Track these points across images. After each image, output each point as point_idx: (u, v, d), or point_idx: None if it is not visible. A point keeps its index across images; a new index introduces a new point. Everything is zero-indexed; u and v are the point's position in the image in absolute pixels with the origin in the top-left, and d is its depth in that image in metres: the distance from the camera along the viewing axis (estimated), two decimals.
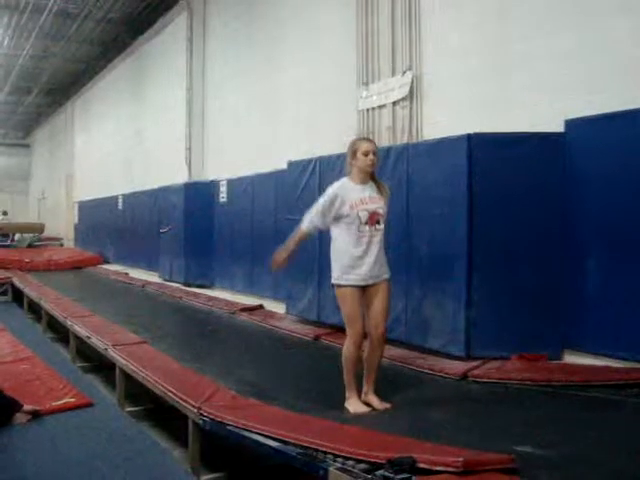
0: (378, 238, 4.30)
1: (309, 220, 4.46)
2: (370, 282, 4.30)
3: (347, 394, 4.36)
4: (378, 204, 4.31)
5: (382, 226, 4.31)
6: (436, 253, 5.71)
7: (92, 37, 16.48)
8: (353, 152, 4.38)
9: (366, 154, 4.30)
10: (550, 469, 3.11)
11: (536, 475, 2.96)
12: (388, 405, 4.36)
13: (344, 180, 4.41)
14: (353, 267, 4.26)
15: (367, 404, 4.35)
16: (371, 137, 7.47)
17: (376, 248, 4.29)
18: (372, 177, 4.40)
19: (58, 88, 22.37)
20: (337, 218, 4.30)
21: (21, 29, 15.35)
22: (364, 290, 4.31)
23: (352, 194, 4.28)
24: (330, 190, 4.36)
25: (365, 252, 4.26)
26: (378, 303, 4.33)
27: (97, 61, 18.62)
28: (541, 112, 5.67)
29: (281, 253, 4.63)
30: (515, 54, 6.00)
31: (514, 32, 6.02)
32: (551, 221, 5.38)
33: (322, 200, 4.36)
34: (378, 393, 4.43)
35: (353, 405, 4.32)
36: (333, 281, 4.40)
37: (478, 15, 6.42)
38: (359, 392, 4.40)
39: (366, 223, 4.24)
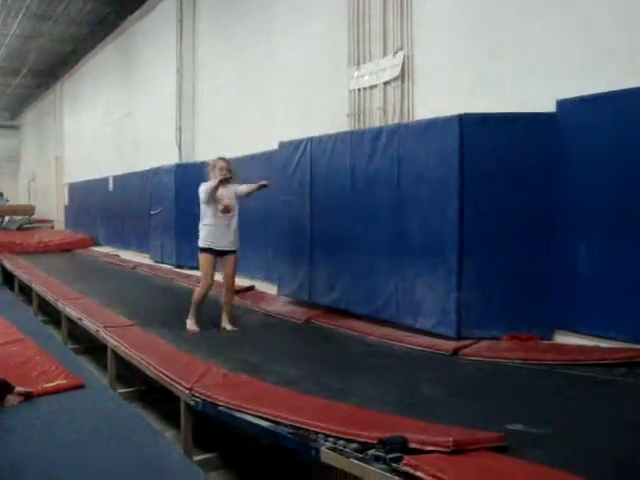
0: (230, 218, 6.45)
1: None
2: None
3: (189, 318, 6.45)
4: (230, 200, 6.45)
5: (232, 212, 6.45)
6: (427, 234, 5.71)
7: (80, 17, 16.31)
8: (213, 167, 6.52)
9: (221, 169, 6.39)
10: (541, 447, 3.14)
11: (527, 453, 2.99)
12: (235, 328, 6.40)
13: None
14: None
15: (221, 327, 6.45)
16: (362, 117, 7.49)
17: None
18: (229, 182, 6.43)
19: (46, 69, 22.16)
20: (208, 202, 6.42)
21: (8, 8, 15.16)
22: (217, 257, 6.46)
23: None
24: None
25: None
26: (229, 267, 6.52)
27: (86, 41, 18.43)
28: (533, 93, 5.65)
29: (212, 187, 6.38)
30: (507, 34, 5.97)
31: (506, 12, 5.99)
32: (542, 201, 5.38)
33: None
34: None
35: (189, 325, 6.42)
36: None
37: None
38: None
39: (222, 211, 6.40)
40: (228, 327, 6.43)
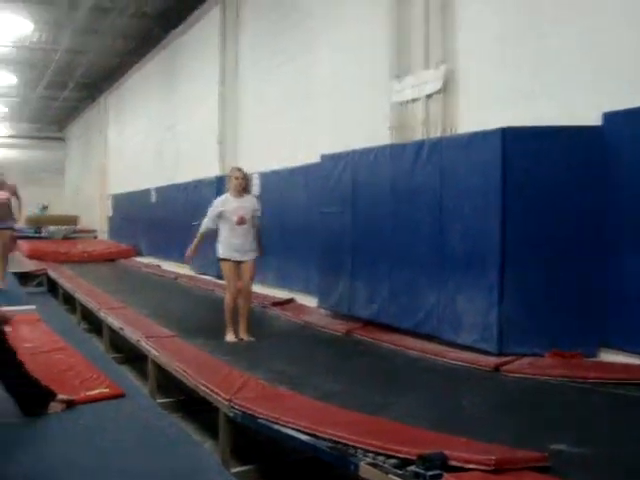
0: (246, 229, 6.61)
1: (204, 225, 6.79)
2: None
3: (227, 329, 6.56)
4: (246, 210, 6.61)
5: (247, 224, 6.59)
6: (469, 247, 5.65)
7: (126, 32, 16.59)
8: (229, 177, 6.81)
9: (236, 178, 6.62)
10: (585, 468, 3.06)
11: (570, 474, 2.92)
12: (253, 339, 6.54)
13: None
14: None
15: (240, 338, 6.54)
16: (404, 130, 7.45)
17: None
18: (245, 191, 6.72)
19: (92, 82, 22.60)
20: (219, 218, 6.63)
21: (58, 24, 15.52)
22: (238, 264, 6.64)
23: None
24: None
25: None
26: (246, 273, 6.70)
27: (131, 55, 18.75)
28: (578, 105, 5.56)
29: (189, 253, 6.97)
30: (551, 46, 5.89)
31: (550, 23, 5.91)
32: (588, 216, 5.29)
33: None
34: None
35: (228, 337, 6.51)
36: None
37: (513, 6, 6.32)
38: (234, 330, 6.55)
39: (237, 223, 6.55)
40: (245, 337, 6.56)
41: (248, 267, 6.68)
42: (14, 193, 10.08)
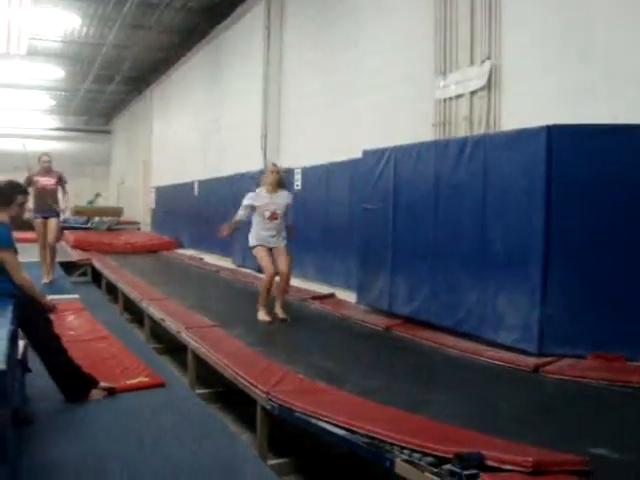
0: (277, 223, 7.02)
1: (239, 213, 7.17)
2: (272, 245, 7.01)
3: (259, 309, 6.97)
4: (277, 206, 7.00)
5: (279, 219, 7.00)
6: (512, 246, 5.59)
7: (172, 26, 16.77)
8: (265, 172, 7.36)
9: (271, 172, 7.07)
10: (626, 474, 3.01)
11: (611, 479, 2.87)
12: (287, 317, 6.94)
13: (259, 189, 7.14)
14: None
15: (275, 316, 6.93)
16: (447, 127, 7.40)
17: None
18: (279, 186, 7.07)
19: (138, 76, 22.89)
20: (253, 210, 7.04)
21: (105, 19, 15.76)
22: (271, 250, 7.00)
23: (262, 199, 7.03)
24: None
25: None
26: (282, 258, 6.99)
27: (176, 50, 18.94)
28: (625, 102, 5.45)
29: (225, 227, 7.35)
30: (597, 42, 5.78)
31: (597, 18, 5.80)
32: (635, 217, 5.18)
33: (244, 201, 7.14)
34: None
35: (260, 315, 6.91)
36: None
37: (559, 3, 6.21)
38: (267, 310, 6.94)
39: (269, 218, 6.96)
40: (281, 315, 6.98)
41: (281, 251, 7.01)
42: (60, 180, 9.64)
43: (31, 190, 8.73)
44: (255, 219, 7.04)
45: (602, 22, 5.74)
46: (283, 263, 6.96)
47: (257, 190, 7.10)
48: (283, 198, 7.07)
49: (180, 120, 20.10)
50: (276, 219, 6.95)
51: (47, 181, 9.43)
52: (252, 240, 7.07)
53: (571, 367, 4.93)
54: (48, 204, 9.44)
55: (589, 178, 5.26)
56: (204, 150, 17.32)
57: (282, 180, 7.17)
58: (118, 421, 4.05)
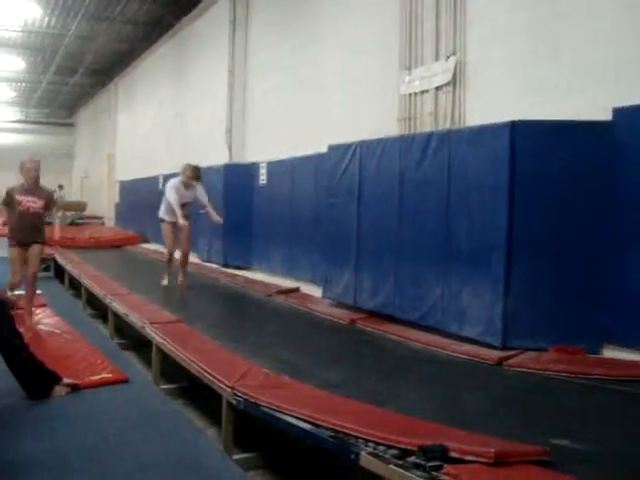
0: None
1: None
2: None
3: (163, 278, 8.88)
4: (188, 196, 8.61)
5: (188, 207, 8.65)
6: (475, 241, 5.65)
7: (136, 18, 16.59)
8: (182, 172, 8.54)
9: (185, 174, 8.50)
10: (586, 464, 3.06)
11: (572, 469, 2.92)
12: (186, 282, 8.87)
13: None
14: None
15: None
16: (412, 122, 7.44)
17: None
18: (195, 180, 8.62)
19: (102, 68, 22.62)
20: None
21: (67, 9, 15.51)
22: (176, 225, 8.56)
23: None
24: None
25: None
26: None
27: (141, 42, 18.75)
28: (588, 99, 5.54)
29: (182, 218, 8.41)
30: (562, 39, 5.86)
31: (562, 16, 5.88)
32: (595, 212, 5.27)
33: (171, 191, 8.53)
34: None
35: (163, 282, 8.80)
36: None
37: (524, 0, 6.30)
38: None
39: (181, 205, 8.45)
40: (180, 279, 8.86)
41: (185, 228, 8.56)
42: (49, 203, 6.88)
43: (5, 210, 6.81)
44: (168, 199, 8.47)
45: (567, 19, 5.83)
46: (185, 239, 8.65)
47: (177, 182, 8.55)
48: (193, 192, 8.57)
49: (145, 113, 19.91)
50: (187, 207, 8.53)
51: (32, 202, 6.65)
52: (162, 213, 8.69)
53: (533, 360, 5.00)
54: (29, 231, 6.71)
55: (553, 174, 5.34)
56: (169, 144, 17.19)
57: (198, 177, 8.58)
58: (82, 417, 4.00)
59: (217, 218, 8.84)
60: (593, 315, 5.26)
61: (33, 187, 6.68)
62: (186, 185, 8.51)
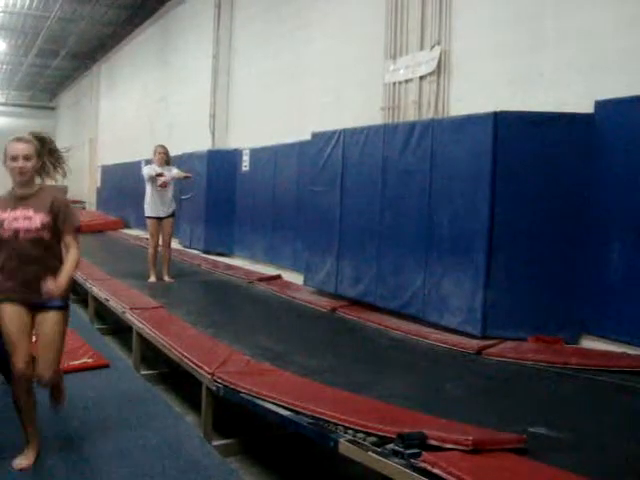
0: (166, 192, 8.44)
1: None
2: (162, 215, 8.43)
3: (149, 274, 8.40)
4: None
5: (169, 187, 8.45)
6: (457, 231, 5.67)
7: (120, 1, 16.41)
8: (154, 152, 8.58)
9: (160, 154, 8.45)
10: (562, 451, 3.10)
11: (549, 457, 2.96)
12: (173, 280, 8.41)
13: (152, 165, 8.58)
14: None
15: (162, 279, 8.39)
16: (396, 111, 7.44)
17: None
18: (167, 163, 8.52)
19: (85, 51, 22.36)
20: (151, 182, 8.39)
21: None
22: (161, 220, 8.42)
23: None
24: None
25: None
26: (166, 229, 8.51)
27: (124, 25, 18.55)
28: (571, 91, 5.57)
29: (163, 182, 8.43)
30: (547, 30, 5.88)
31: (547, 7, 5.90)
32: (576, 203, 5.31)
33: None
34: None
35: (150, 279, 8.32)
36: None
37: None
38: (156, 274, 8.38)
39: (160, 186, 8.32)
40: (166, 279, 8.40)
41: (169, 223, 8.49)
42: (56, 220, 3.36)
43: None
44: (149, 189, 8.40)
45: (552, 10, 5.84)
46: (167, 234, 8.48)
47: (151, 165, 8.58)
48: (170, 172, 8.51)
49: (128, 97, 19.74)
50: (165, 187, 8.36)
51: (25, 222, 3.28)
52: (147, 211, 8.49)
53: (512, 349, 5.05)
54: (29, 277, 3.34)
55: (534, 164, 5.37)
56: (152, 129, 17.07)
57: (169, 158, 8.63)
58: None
59: (185, 174, 8.92)
60: (572, 306, 5.32)
61: (26, 190, 3.37)
62: (160, 165, 8.45)
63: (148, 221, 8.46)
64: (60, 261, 3.36)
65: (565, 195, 5.34)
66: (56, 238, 3.34)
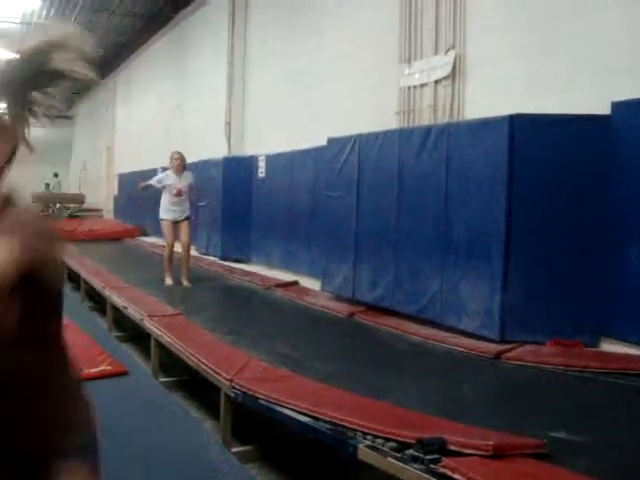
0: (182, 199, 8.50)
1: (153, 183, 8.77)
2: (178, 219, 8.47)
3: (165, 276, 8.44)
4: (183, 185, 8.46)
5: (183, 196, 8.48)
6: (474, 234, 5.65)
7: (135, 10, 16.55)
8: (170, 158, 8.62)
9: (176, 160, 8.45)
10: (584, 456, 3.07)
11: (569, 461, 2.93)
12: (190, 285, 8.31)
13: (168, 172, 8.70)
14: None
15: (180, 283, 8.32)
16: (411, 115, 7.43)
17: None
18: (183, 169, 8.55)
19: (101, 61, 22.46)
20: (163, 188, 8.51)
21: (66, 1, 15.47)
22: (176, 223, 8.45)
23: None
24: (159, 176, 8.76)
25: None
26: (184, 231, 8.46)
27: (140, 34, 18.69)
28: (587, 93, 5.53)
29: (141, 183, 9.14)
30: (561, 33, 5.86)
31: (561, 10, 5.87)
32: (594, 205, 5.28)
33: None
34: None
35: (167, 281, 8.36)
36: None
37: None
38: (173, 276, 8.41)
39: (175, 195, 8.40)
40: (185, 283, 8.36)
41: (184, 225, 8.48)
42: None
43: None
44: (164, 196, 8.48)
45: (566, 13, 5.82)
46: (185, 236, 8.44)
47: (167, 172, 8.70)
48: (187, 179, 8.53)
49: (144, 106, 19.87)
50: (181, 195, 8.39)
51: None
52: (161, 214, 8.55)
53: (531, 353, 5.01)
54: None
55: (551, 167, 5.34)
56: (168, 137, 17.15)
57: (185, 164, 8.61)
58: None
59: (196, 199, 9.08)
60: (590, 309, 5.27)
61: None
62: (177, 171, 8.51)
63: (162, 223, 8.59)
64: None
65: (582, 197, 5.31)
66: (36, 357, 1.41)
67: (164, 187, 8.48)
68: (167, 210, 8.53)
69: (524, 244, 5.36)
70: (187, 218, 8.57)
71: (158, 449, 3.48)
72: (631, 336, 5.00)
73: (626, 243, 5.06)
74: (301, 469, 4.19)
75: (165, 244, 8.55)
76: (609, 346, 5.16)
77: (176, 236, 8.49)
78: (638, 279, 4.97)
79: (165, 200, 8.53)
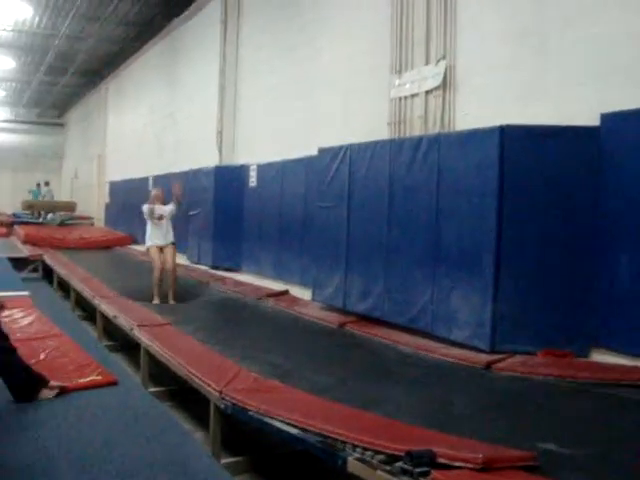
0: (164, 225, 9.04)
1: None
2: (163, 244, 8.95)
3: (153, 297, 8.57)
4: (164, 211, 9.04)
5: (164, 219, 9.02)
6: (464, 245, 5.66)
7: (127, 18, 16.55)
8: (152, 198, 9.22)
9: (157, 198, 9.18)
10: (573, 469, 3.07)
11: (559, 474, 2.93)
12: (175, 303, 8.52)
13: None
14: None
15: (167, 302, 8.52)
16: (402, 126, 7.45)
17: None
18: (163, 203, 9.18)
19: (93, 69, 22.54)
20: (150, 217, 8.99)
21: (58, 9, 15.46)
22: (161, 248, 8.89)
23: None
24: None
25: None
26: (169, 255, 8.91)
27: (132, 42, 18.70)
28: (576, 105, 5.56)
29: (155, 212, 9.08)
30: (551, 45, 5.89)
31: (551, 20, 5.91)
32: (583, 216, 5.30)
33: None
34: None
35: (154, 301, 8.44)
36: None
37: (514, 5, 6.32)
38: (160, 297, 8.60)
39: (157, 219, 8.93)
40: (172, 302, 8.59)
41: (169, 249, 8.99)
42: None
43: None
44: (149, 225, 9.06)
45: (556, 25, 5.85)
46: (170, 260, 8.84)
47: (150, 206, 9.07)
48: (168, 208, 9.08)
49: (136, 114, 19.86)
50: (162, 220, 8.97)
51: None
52: (148, 240, 9.08)
53: (522, 364, 5.02)
54: None
55: (541, 178, 5.36)
56: (160, 145, 17.15)
57: (164, 198, 9.27)
58: (69, 420, 3.98)
59: (177, 199, 9.20)
60: (581, 319, 5.28)
61: None
62: (159, 202, 9.14)
63: (150, 249, 9.01)
64: None
65: (573, 208, 5.33)
66: None
67: (151, 214, 9.02)
68: (153, 236, 9.07)
69: (515, 254, 5.38)
70: (172, 244, 9.06)
71: (146, 460, 3.44)
72: (622, 346, 5.01)
73: (616, 254, 5.08)
74: None
75: (153, 265, 8.83)
76: (600, 356, 5.17)
77: (163, 260, 8.88)
78: (629, 289, 4.99)
79: (149, 227, 9.07)
